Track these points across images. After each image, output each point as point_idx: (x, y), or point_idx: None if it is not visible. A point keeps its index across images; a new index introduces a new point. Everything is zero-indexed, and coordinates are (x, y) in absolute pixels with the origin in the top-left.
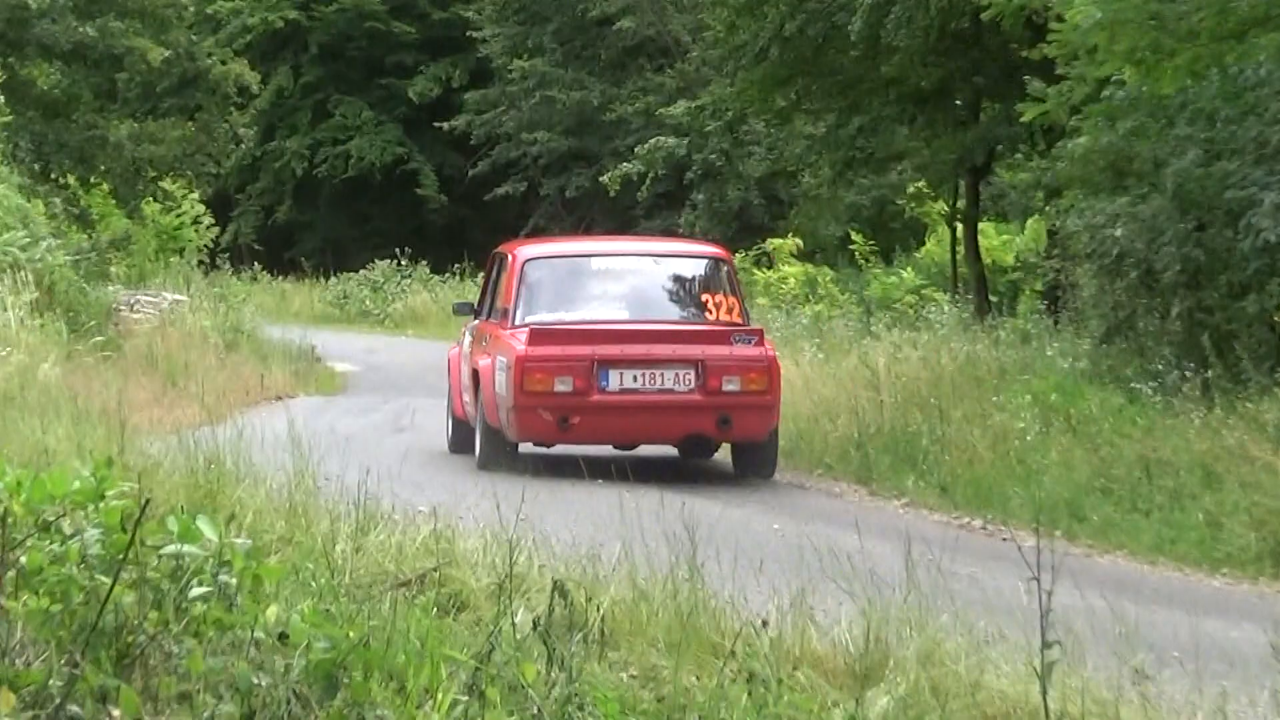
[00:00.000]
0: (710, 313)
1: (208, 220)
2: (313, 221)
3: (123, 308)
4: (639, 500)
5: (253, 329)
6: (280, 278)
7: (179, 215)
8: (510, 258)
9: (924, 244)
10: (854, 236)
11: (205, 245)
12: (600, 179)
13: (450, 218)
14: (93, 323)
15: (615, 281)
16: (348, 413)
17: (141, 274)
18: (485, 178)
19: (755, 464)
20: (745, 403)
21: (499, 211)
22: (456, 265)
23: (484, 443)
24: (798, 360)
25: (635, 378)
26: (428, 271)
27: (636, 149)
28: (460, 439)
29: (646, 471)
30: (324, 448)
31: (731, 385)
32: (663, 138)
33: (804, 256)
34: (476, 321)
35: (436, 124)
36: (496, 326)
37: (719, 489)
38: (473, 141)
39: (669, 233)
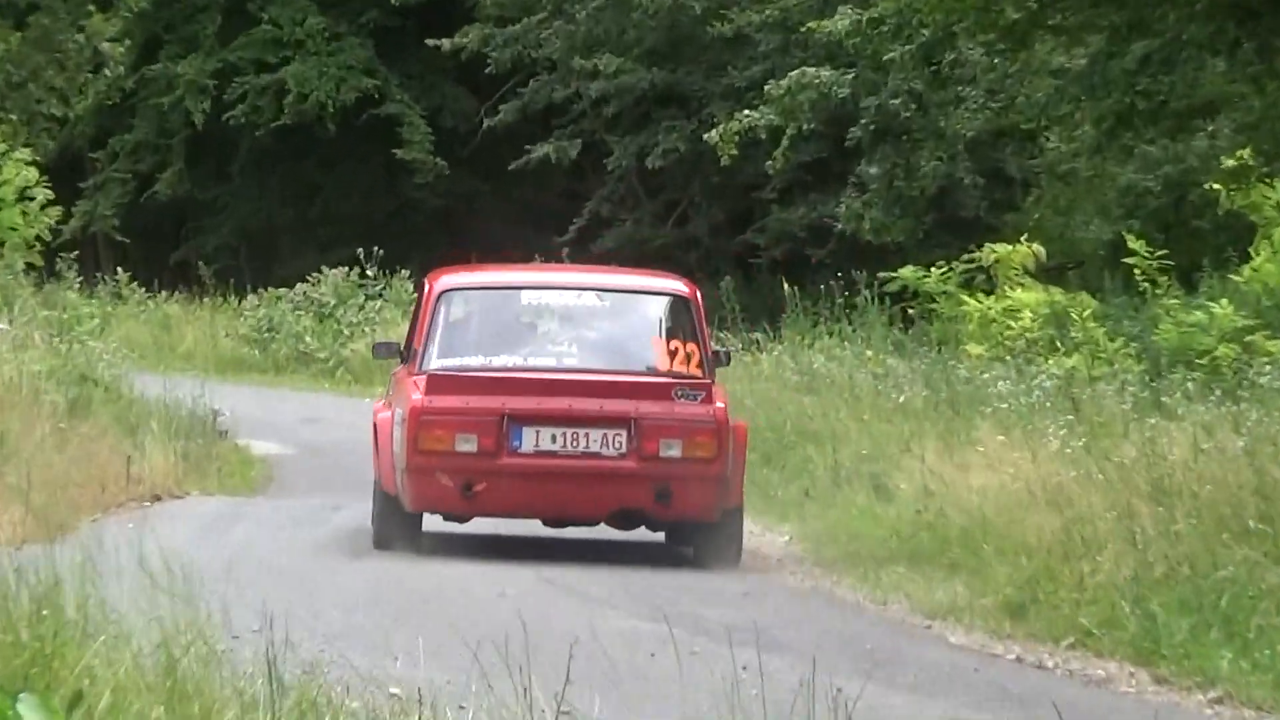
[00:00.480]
0: (660, 362)
1: (43, 195)
2: (219, 200)
3: None
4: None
5: (115, 380)
6: (162, 294)
7: None
8: (427, 288)
9: (1250, 258)
10: (1131, 243)
11: (38, 237)
12: (705, 137)
13: (450, 196)
14: None
15: (549, 320)
16: (272, 527)
17: None
18: (512, 132)
19: (709, 553)
20: (688, 472)
21: (533, 188)
22: None
23: (379, 513)
24: (1034, 450)
25: (554, 438)
26: (410, 287)
27: (767, 88)
28: (392, 526)
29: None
30: (231, 586)
31: (671, 450)
32: (810, 70)
33: (1047, 275)
34: (401, 367)
35: (429, 41)
36: (404, 372)
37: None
38: (490, 70)
39: (817, 230)
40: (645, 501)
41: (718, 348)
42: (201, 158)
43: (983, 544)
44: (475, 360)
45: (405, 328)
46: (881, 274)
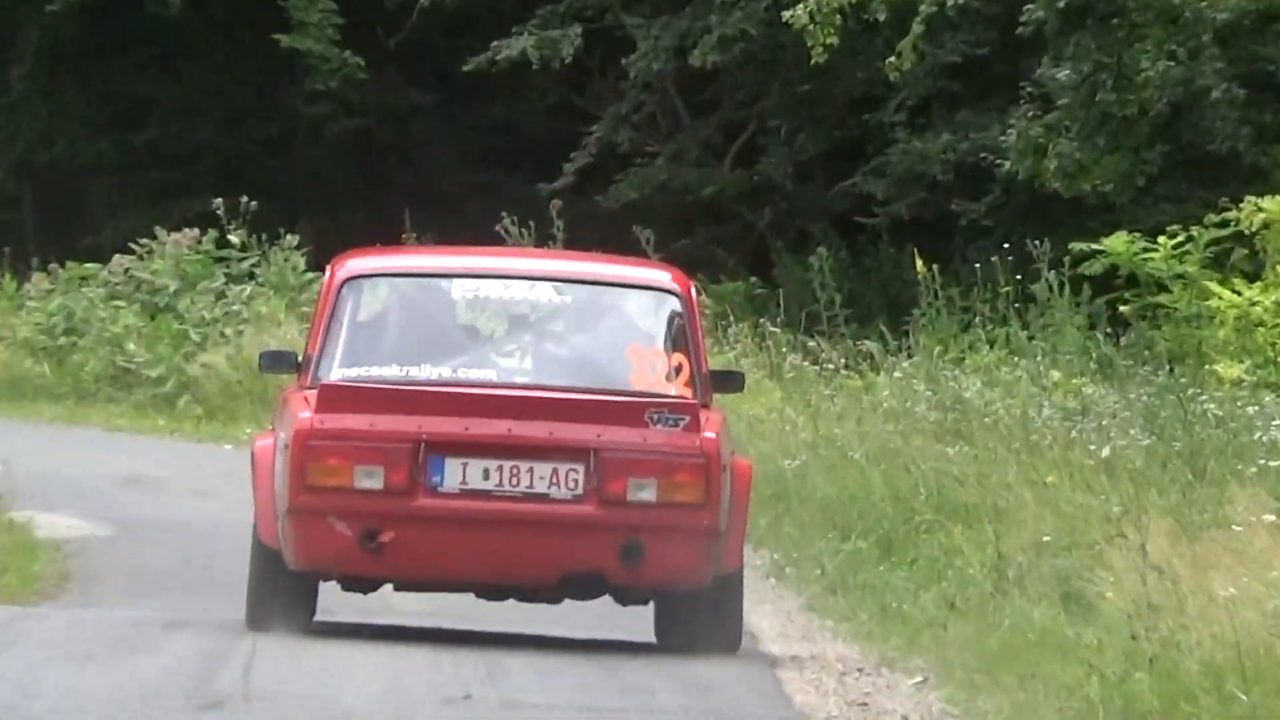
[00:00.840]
0: (635, 377)
1: None
2: None
3: None
4: None
5: None
6: None
7: None
8: (328, 275)
9: None
10: None
11: None
12: (785, 18)
13: (368, 114)
14: None
15: (489, 320)
16: (68, 657)
17: None
18: (468, 13)
19: (694, 631)
20: (666, 522)
21: (505, 104)
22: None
23: (254, 578)
24: None
25: (487, 473)
26: (301, 263)
27: None
28: (271, 596)
29: None
30: None
31: (644, 493)
32: None
33: None
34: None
35: None
36: (295, 386)
37: None
38: None
39: (968, 173)
40: (608, 561)
41: (730, 368)
42: None
43: (1242, 695)
44: (389, 371)
45: (298, 329)
46: (1075, 245)
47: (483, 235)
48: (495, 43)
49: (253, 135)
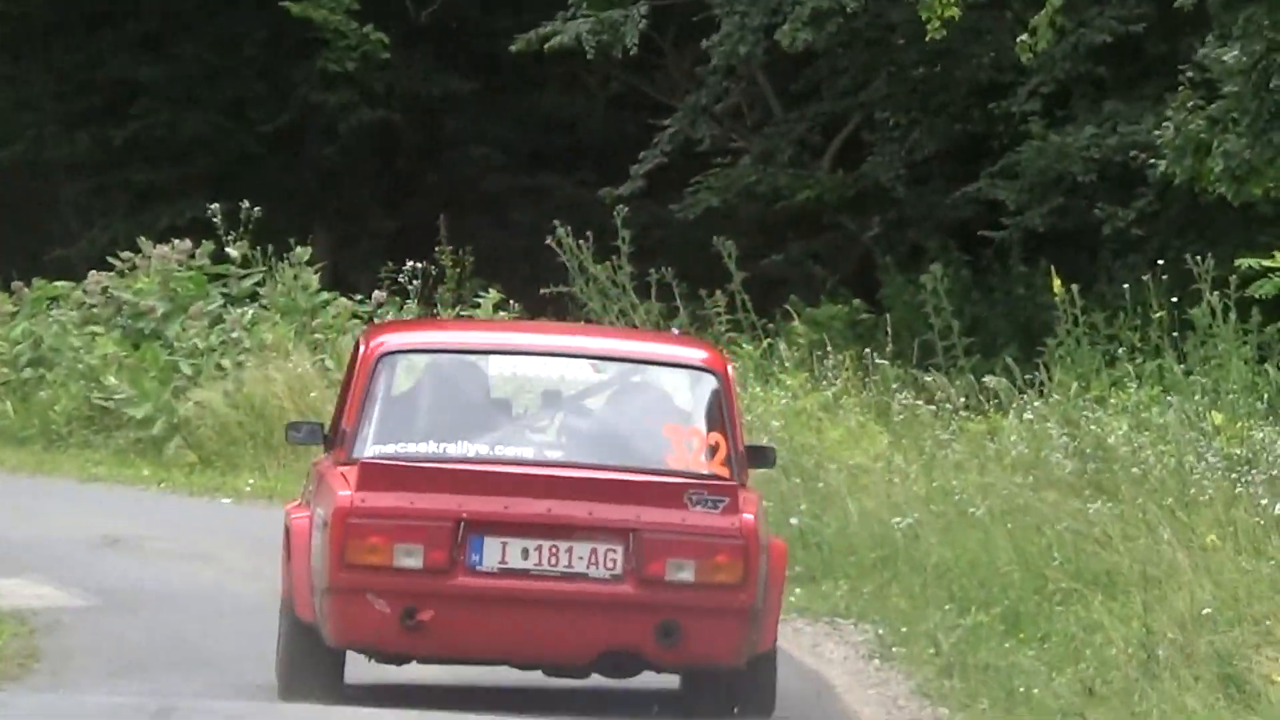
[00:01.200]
0: (673, 457)
1: None
2: None
3: None
4: None
5: None
6: None
7: None
8: (363, 349)
9: None
10: None
11: None
12: None
13: (396, 102)
14: None
15: (525, 397)
16: None
17: None
18: None
19: (728, 708)
20: (703, 603)
21: (560, 92)
22: (407, 262)
23: (287, 650)
24: None
25: (526, 552)
26: (314, 280)
27: None
28: (306, 668)
29: None
30: None
31: (683, 573)
32: None
33: None
34: (325, 455)
35: None
36: (330, 461)
37: None
38: None
39: (1115, 174)
40: (645, 641)
41: (758, 443)
42: None
43: None
44: (425, 447)
45: (310, 361)
46: (1243, 261)
47: (532, 246)
48: (544, 25)
49: (256, 128)
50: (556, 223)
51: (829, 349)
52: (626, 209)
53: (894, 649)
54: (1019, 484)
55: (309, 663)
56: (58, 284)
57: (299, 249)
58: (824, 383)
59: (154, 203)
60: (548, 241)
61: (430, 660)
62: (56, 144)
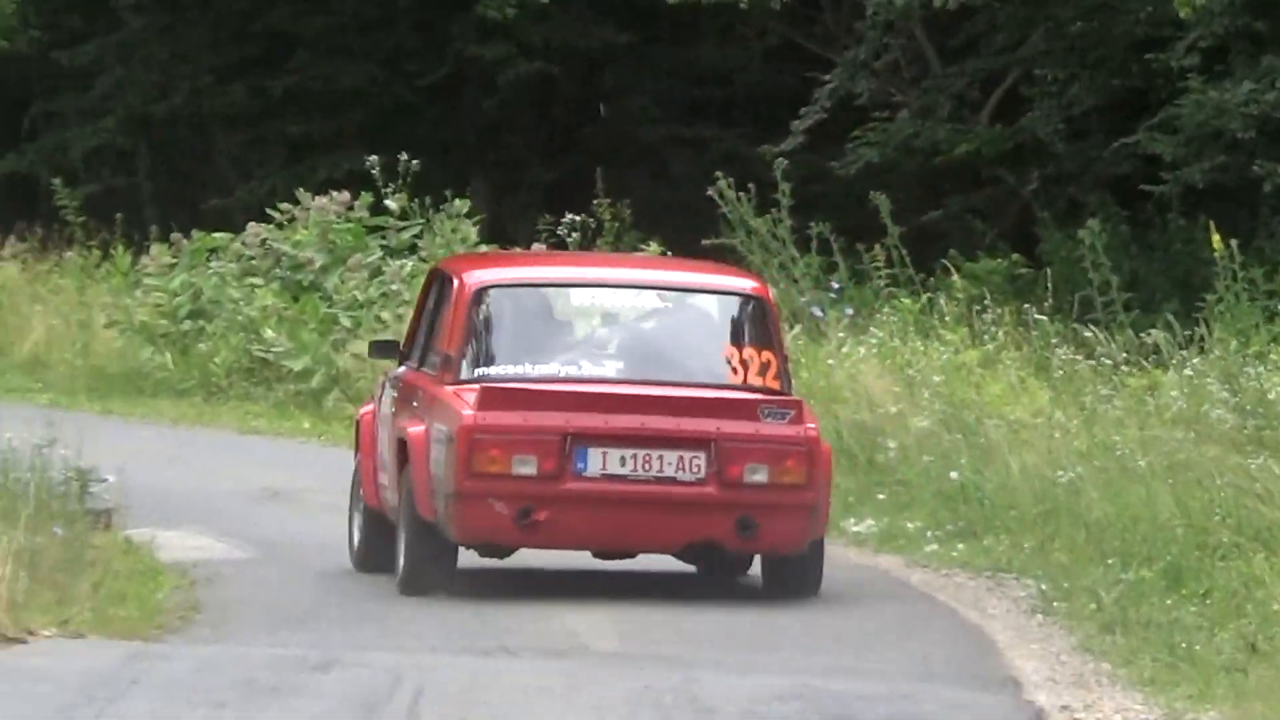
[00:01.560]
0: (735, 373)
1: None
2: (92, 63)
3: None
4: None
5: None
6: None
7: None
8: (455, 283)
9: None
10: None
11: None
12: None
13: (552, 57)
14: None
15: (604, 324)
16: (196, 706)
17: None
18: None
19: (789, 584)
20: (775, 501)
21: (716, 46)
22: (565, 215)
23: (411, 548)
24: None
25: (624, 460)
26: (473, 233)
27: None
28: (377, 547)
29: None
30: None
31: (757, 476)
32: None
33: None
34: (403, 369)
35: None
36: (433, 380)
37: None
38: None
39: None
40: (725, 533)
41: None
42: None
43: None
44: (529, 370)
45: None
46: None
47: (690, 198)
48: None
49: (413, 81)
50: (718, 174)
51: (988, 304)
52: (786, 162)
53: (1055, 604)
54: (1180, 439)
55: (434, 558)
56: (216, 235)
57: (457, 201)
58: (984, 338)
59: (311, 154)
60: (709, 193)
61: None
62: (213, 95)
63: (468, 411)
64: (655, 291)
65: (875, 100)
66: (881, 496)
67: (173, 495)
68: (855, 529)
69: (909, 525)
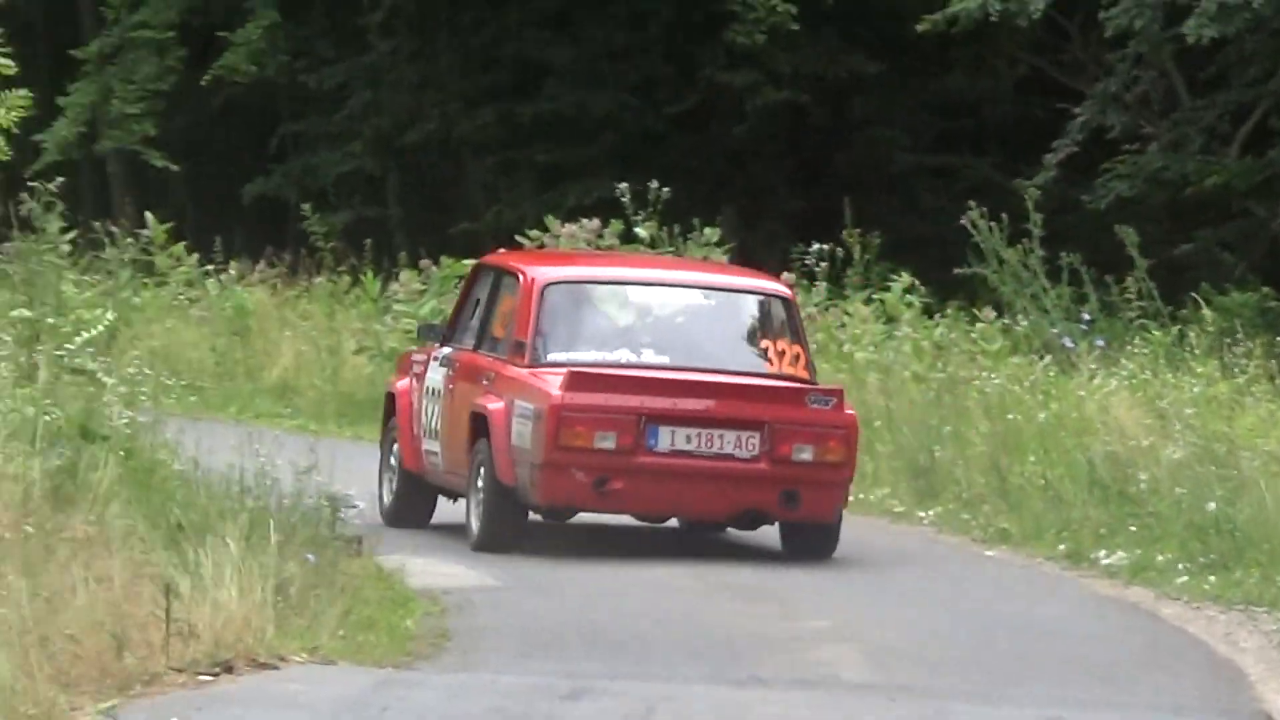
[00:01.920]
0: (772, 363)
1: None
2: (340, 86)
3: None
4: None
5: (139, 437)
6: (233, 267)
7: None
8: (521, 278)
9: None
10: None
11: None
12: None
13: (799, 84)
14: None
15: (658, 318)
16: None
17: None
18: None
19: (813, 548)
20: (817, 477)
21: (966, 75)
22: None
23: (490, 511)
24: None
25: (689, 438)
26: (717, 252)
27: None
28: (408, 506)
29: None
30: None
31: (804, 455)
32: None
33: None
34: (448, 349)
35: None
36: (503, 363)
37: None
38: None
39: None
40: (771, 503)
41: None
42: (305, 4)
43: None
44: (592, 356)
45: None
46: None
47: (938, 229)
48: (949, 6)
49: (663, 108)
50: (970, 204)
51: (1239, 336)
52: (1039, 193)
53: None
54: None
55: (509, 519)
56: (466, 261)
57: (707, 229)
58: (1235, 370)
59: (561, 181)
60: (961, 221)
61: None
62: (463, 121)
63: (556, 392)
64: (700, 290)
65: (1126, 133)
66: (1133, 528)
67: (443, 524)
68: (1106, 561)
69: (1160, 557)
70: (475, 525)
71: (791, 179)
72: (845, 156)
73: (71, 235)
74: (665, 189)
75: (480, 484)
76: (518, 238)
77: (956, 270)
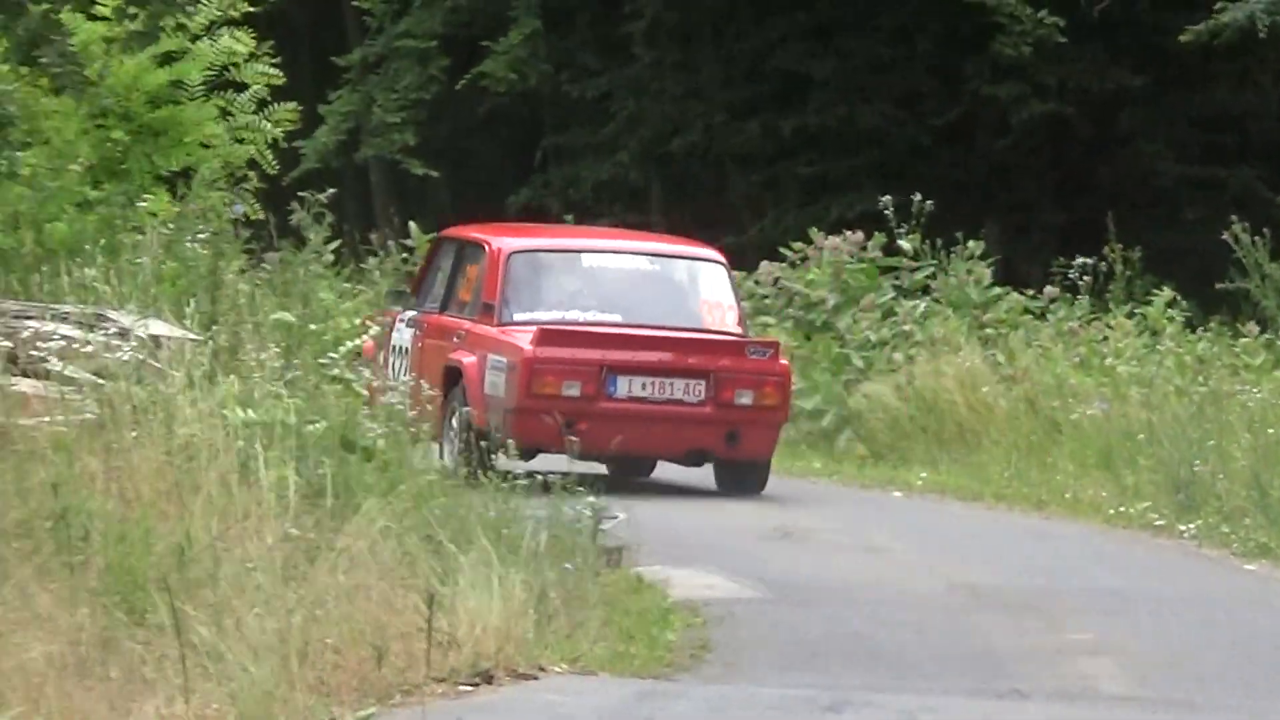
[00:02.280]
0: (711, 320)
1: (262, 75)
2: (604, 96)
3: None
4: None
5: (401, 447)
6: None
7: (209, 54)
8: (488, 248)
9: None
10: None
11: (252, 163)
12: None
13: (1064, 98)
14: None
15: (610, 282)
16: None
17: (70, 249)
18: None
19: (747, 484)
20: (756, 419)
21: (1229, 89)
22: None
23: (463, 450)
24: None
25: (645, 386)
26: (987, 275)
27: None
28: (469, 453)
29: None
30: None
31: (744, 399)
32: None
33: None
34: (413, 313)
35: None
36: (472, 323)
37: None
38: None
39: None
40: (715, 443)
41: None
42: (568, 15)
43: None
44: (555, 315)
45: (981, 356)
46: None
47: (1201, 242)
48: (1213, 18)
49: (928, 121)
50: (1234, 218)
51: None
52: None
53: None
54: None
55: (471, 453)
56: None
57: (971, 243)
58: None
59: (823, 194)
60: (1224, 235)
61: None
62: (726, 134)
63: (528, 346)
64: (646, 257)
65: None
66: None
67: (684, 533)
68: None
69: None
70: (449, 461)
71: (1055, 192)
72: (1109, 170)
73: (335, 245)
74: (929, 202)
75: (454, 428)
76: (781, 249)
77: (1219, 285)
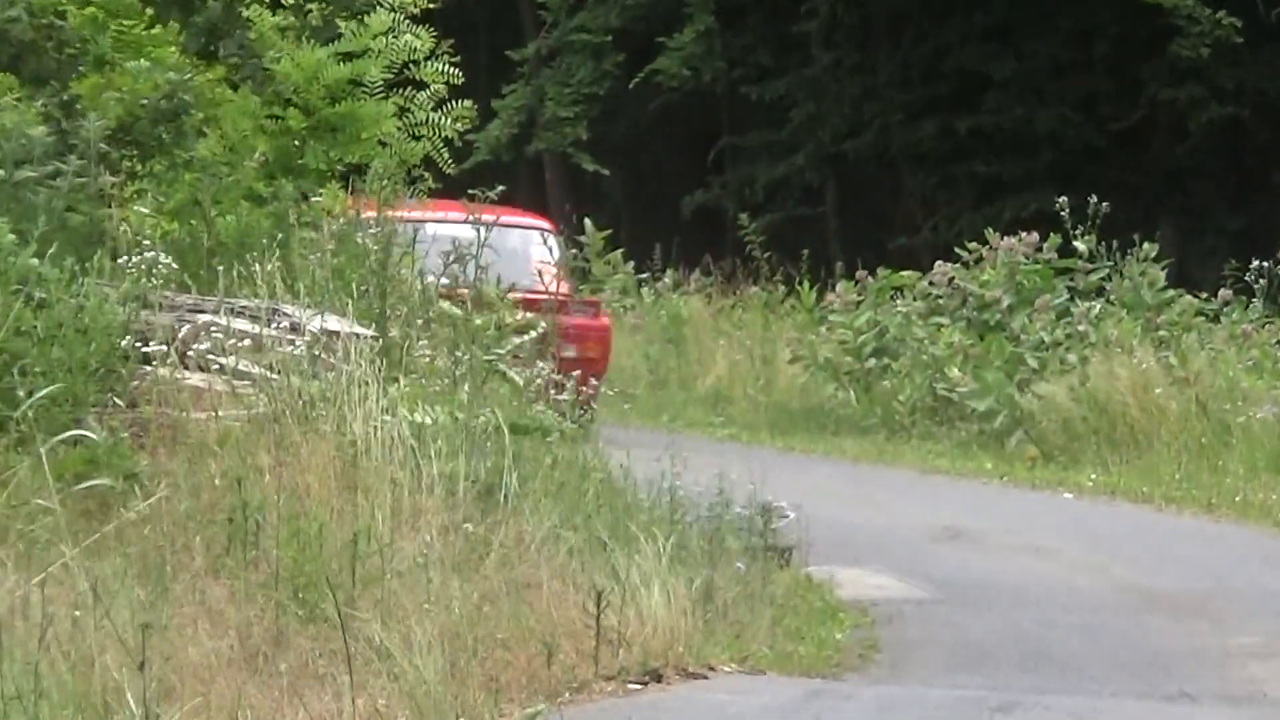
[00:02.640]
0: (541, 281)
1: (438, 72)
2: (782, 98)
3: (157, 354)
4: None
5: (570, 439)
6: (668, 275)
7: (379, 44)
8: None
9: None
10: None
11: (428, 158)
12: None
13: (1225, 98)
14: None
15: (444, 247)
16: None
17: (241, 242)
18: None
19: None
20: (581, 370)
21: None
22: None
23: None
24: None
25: None
26: (1161, 278)
27: None
28: None
29: None
30: None
31: (568, 352)
32: None
33: None
34: None
35: None
36: None
37: None
38: None
39: None
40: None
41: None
42: (741, 13)
43: None
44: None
45: (1154, 357)
46: None
47: None
48: None
49: (1105, 125)
50: None
51: None
52: None
53: None
54: None
55: None
56: (903, 274)
57: (1146, 245)
58: None
59: (999, 195)
60: None
61: None
62: (903, 134)
63: None
64: (481, 227)
65: None
66: None
67: (853, 533)
68: None
69: None
70: None
71: (1230, 196)
72: None
73: None
74: (1104, 204)
75: None
76: (955, 250)
77: None
